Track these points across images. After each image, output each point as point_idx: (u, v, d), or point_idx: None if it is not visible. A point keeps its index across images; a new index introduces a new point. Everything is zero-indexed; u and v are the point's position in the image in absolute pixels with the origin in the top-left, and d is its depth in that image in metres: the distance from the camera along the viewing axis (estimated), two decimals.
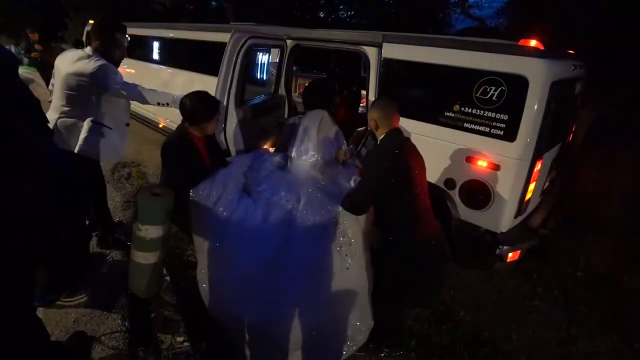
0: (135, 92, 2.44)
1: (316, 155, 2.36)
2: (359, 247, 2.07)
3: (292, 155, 2.42)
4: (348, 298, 2.06)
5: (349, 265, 2.03)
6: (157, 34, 4.98)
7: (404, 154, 1.91)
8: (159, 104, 2.53)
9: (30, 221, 1.23)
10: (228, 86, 2.97)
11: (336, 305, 2.04)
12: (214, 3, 17.34)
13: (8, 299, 1.29)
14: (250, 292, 2.00)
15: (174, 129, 4.32)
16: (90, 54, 2.33)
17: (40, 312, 2.05)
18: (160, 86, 4.87)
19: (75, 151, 2.34)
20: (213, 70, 3.12)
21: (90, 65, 2.26)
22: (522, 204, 2.32)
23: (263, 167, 2.40)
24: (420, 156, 2.00)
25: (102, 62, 2.29)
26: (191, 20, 15.29)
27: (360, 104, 4.15)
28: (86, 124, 2.34)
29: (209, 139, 2.40)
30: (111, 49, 2.41)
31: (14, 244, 1.21)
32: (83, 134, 2.33)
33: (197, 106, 2.16)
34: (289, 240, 2.03)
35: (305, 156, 2.37)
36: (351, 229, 2.05)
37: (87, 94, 2.31)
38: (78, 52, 2.36)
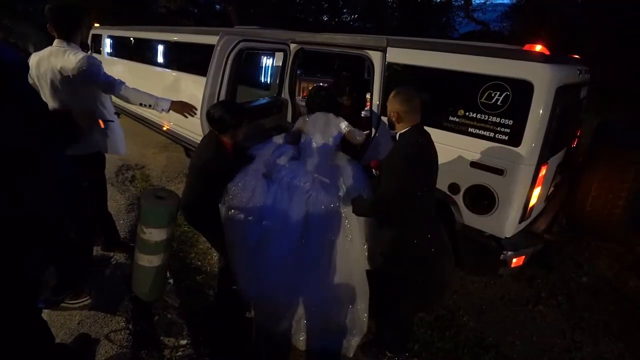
0: (120, 88, 2.33)
1: (324, 144, 2.62)
2: (356, 229, 2.31)
3: (304, 145, 2.67)
4: (352, 276, 2.28)
5: (349, 245, 2.28)
6: (156, 37, 5.01)
7: (427, 153, 1.89)
8: (141, 104, 2.46)
9: (38, 224, 1.24)
10: (217, 88, 2.97)
11: (343, 284, 2.27)
12: (218, 6, 17.43)
13: (14, 301, 1.29)
14: (283, 271, 2.22)
15: (178, 131, 4.39)
16: (66, 46, 2.18)
17: (44, 314, 2.06)
18: (153, 87, 4.95)
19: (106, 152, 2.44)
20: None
21: (72, 59, 2.13)
22: (526, 209, 2.31)
23: (280, 158, 2.63)
24: (436, 153, 1.97)
25: (82, 53, 2.18)
26: (195, 23, 15.40)
27: (365, 108, 4.15)
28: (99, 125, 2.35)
29: (235, 144, 2.39)
30: (78, 36, 2.27)
31: (21, 247, 1.22)
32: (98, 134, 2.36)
33: (225, 115, 2.16)
34: (309, 219, 2.28)
35: (316, 145, 2.63)
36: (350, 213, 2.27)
37: (78, 91, 2.22)
38: (50, 50, 2.19)
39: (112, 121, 2.44)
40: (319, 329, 2.26)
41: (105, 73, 2.27)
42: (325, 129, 2.68)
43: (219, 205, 2.33)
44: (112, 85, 2.30)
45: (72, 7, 2.21)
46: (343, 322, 2.28)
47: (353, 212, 2.12)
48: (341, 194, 2.39)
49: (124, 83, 2.36)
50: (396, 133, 1.97)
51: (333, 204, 2.32)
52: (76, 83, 2.18)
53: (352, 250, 2.29)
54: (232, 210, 2.30)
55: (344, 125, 2.73)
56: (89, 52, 6.67)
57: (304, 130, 2.74)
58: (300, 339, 2.28)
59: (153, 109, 2.49)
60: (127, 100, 2.41)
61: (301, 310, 2.24)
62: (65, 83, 2.17)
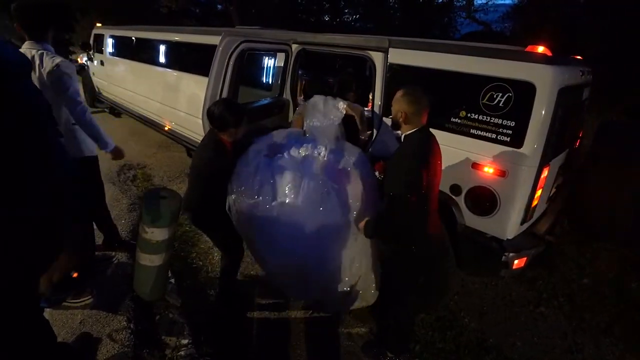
0: (80, 110, 2.22)
1: (326, 121, 2.71)
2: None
3: (307, 126, 2.73)
4: (366, 243, 2.31)
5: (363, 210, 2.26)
6: (158, 37, 5.02)
7: (433, 157, 1.86)
8: (89, 135, 2.33)
9: (41, 223, 1.24)
10: (219, 89, 2.97)
11: (357, 248, 2.29)
12: (219, 6, 17.43)
13: (17, 300, 1.30)
14: (298, 236, 2.23)
15: (180, 132, 4.39)
16: (40, 48, 2.06)
17: (46, 313, 2.06)
18: (154, 87, 4.94)
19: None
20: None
21: (48, 62, 2.04)
22: (528, 210, 2.31)
23: (287, 137, 2.67)
24: (441, 156, 1.95)
25: (59, 58, 2.11)
26: (196, 23, 15.42)
27: (366, 109, 4.15)
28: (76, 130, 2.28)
29: (234, 142, 2.39)
30: (50, 35, 2.13)
31: (24, 246, 1.22)
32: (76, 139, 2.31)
33: (225, 113, 2.16)
34: (324, 181, 2.27)
35: (319, 123, 2.70)
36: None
37: (47, 93, 2.03)
38: (23, 52, 2.03)
39: (75, 124, 2.31)
40: (331, 296, 2.37)
41: (75, 89, 2.19)
42: (325, 109, 2.75)
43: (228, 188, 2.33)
44: (74, 104, 2.19)
45: (42, 5, 2.06)
46: (350, 288, 2.35)
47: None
48: (349, 168, 2.38)
49: (87, 108, 2.28)
50: (401, 134, 1.93)
51: (346, 166, 2.36)
52: (46, 86, 2.09)
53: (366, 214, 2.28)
54: (241, 189, 2.30)
55: (341, 103, 2.79)
56: (92, 52, 6.68)
57: (305, 114, 2.80)
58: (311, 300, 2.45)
59: (96, 143, 2.39)
60: (78, 123, 2.27)
61: (315, 275, 2.29)
62: (40, 85, 2.07)
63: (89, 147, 2.40)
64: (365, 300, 2.42)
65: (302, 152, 2.45)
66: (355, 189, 2.29)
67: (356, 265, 2.30)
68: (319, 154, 2.41)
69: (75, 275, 2.15)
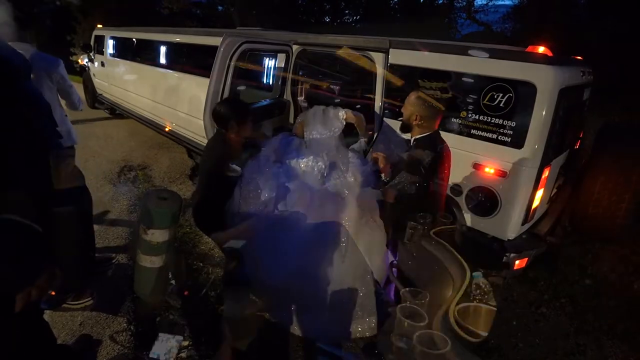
0: (74, 90, 2.56)
1: (326, 132, 2.74)
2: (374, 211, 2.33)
3: (308, 137, 2.77)
4: (371, 258, 2.26)
5: (369, 227, 2.26)
6: (159, 38, 5.03)
7: (443, 162, 1.85)
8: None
9: (42, 223, 1.24)
10: (221, 90, 2.98)
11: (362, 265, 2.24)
12: (220, 8, 17.47)
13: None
14: (301, 252, 2.22)
15: (180, 132, 4.39)
16: (22, 47, 2.08)
17: (46, 315, 2.06)
18: (155, 88, 4.96)
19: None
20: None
21: (51, 59, 2.29)
22: (529, 211, 2.30)
23: (288, 146, 2.76)
24: (450, 161, 1.94)
25: (57, 59, 2.37)
26: (198, 25, 15.45)
27: None
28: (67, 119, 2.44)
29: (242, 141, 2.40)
30: (29, 36, 2.24)
31: (25, 247, 1.22)
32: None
33: (229, 111, 2.18)
34: (325, 197, 2.32)
35: (318, 134, 2.74)
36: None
37: (48, 87, 2.28)
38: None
39: (66, 115, 2.49)
40: (333, 314, 2.29)
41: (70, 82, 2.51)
42: (325, 119, 2.77)
43: (235, 188, 2.35)
44: (74, 94, 2.55)
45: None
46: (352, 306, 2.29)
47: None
48: (351, 180, 2.41)
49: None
50: (411, 137, 1.89)
51: (347, 183, 2.38)
52: (46, 83, 2.25)
53: (375, 231, 2.26)
54: (249, 195, 2.31)
55: (341, 112, 2.81)
56: (92, 53, 6.70)
57: (305, 123, 2.81)
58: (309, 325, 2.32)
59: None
60: (73, 102, 2.59)
61: (316, 293, 2.25)
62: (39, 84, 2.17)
63: (71, 137, 2.47)
64: (367, 330, 2.34)
65: (303, 164, 2.50)
66: (353, 205, 2.29)
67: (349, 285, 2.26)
68: (319, 170, 2.47)
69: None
